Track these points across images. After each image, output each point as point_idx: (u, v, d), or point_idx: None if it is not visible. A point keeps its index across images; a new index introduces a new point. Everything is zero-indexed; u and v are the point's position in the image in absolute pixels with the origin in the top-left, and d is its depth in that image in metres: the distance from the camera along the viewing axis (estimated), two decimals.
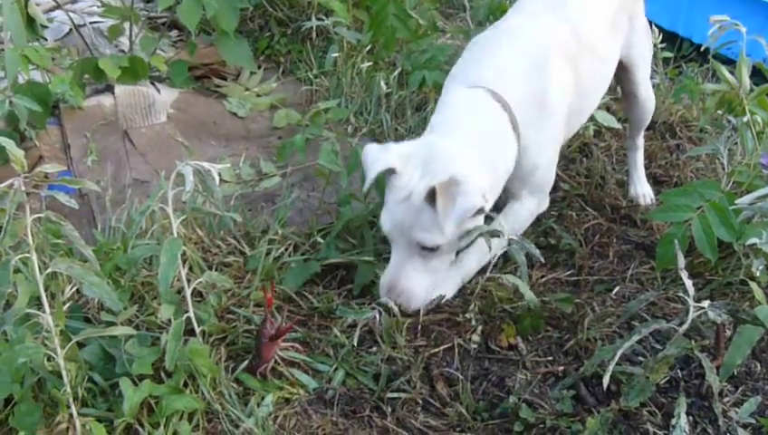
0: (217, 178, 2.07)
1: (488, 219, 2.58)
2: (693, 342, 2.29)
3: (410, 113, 3.71)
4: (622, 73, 3.09)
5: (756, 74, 3.08)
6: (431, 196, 2.27)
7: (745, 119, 2.78)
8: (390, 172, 2.38)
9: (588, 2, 2.85)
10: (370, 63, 3.84)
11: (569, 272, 2.78)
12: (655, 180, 3.40)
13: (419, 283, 2.42)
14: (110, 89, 3.71)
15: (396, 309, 2.38)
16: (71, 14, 4.09)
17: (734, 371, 2.19)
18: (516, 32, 2.72)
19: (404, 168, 2.36)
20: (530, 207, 2.75)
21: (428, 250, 2.36)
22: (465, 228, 2.38)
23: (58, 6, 4.16)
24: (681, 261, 2.15)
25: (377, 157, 2.40)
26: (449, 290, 2.54)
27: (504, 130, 2.50)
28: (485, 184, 2.37)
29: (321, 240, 2.75)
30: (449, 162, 2.34)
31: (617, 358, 2.02)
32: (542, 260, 2.47)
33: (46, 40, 4.06)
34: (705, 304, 2.04)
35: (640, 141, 3.29)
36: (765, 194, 2.14)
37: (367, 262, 2.61)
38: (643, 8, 3.09)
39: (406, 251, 2.39)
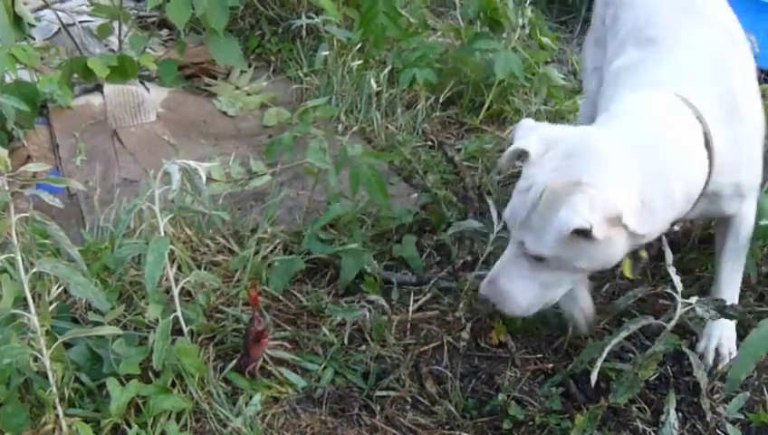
0: (204, 177, 2.07)
1: None
2: (686, 338, 2.31)
3: (401, 111, 3.70)
4: None
5: None
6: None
7: None
8: (525, 155, 2.05)
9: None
10: (361, 62, 3.82)
11: None
12: None
13: (521, 289, 2.07)
14: (99, 88, 3.68)
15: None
16: (59, 14, 4.07)
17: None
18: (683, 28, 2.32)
19: (540, 155, 2.02)
20: (749, 215, 2.31)
21: (536, 258, 2.01)
22: (585, 251, 1.96)
23: (46, 5, 4.13)
24: (669, 257, 2.15)
25: (523, 134, 2.09)
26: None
27: (694, 142, 2.05)
28: (625, 205, 1.91)
29: None
30: (591, 162, 1.96)
31: (605, 354, 2.02)
32: None
33: (34, 39, 4.04)
34: (693, 300, 2.04)
35: None
36: None
37: (352, 253, 2.60)
38: None
39: (515, 249, 2.06)
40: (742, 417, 2.16)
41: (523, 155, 2.06)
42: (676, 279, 2.06)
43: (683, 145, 2.03)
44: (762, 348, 1.95)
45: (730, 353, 2.28)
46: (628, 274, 2.22)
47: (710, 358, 2.27)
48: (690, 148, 2.03)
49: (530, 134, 2.07)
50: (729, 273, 2.31)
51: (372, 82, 3.67)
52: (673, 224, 2.18)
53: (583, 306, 2.30)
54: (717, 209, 2.23)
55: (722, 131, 2.06)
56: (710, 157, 2.04)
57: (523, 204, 1.99)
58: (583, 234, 1.87)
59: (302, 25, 4.05)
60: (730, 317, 2.04)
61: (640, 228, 1.94)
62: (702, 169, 2.04)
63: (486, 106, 3.72)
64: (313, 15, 3.90)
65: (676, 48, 2.24)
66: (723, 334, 2.31)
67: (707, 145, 2.03)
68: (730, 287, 2.31)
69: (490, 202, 2.52)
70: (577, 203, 1.86)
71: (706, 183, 2.06)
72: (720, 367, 2.27)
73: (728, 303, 2.06)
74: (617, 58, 2.38)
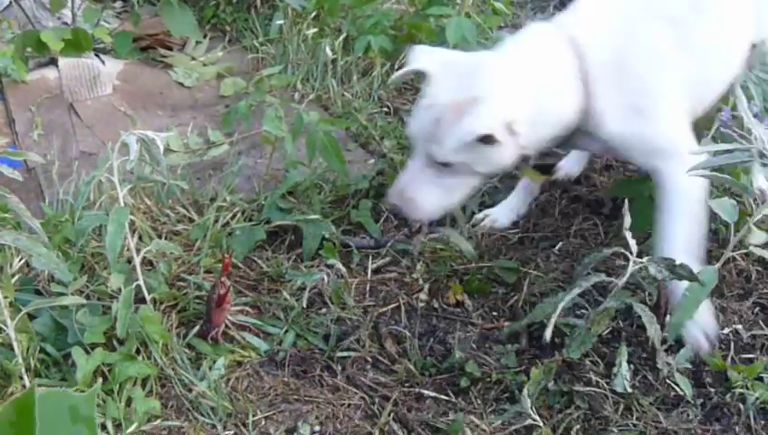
0: (162, 148, 2.10)
1: None
2: (634, 294, 2.37)
3: (357, 78, 3.73)
4: None
5: None
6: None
7: None
8: (423, 76, 2.31)
9: None
10: (316, 30, 3.84)
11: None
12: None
13: (427, 195, 2.30)
14: (53, 62, 3.68)
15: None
16: None
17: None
18: None
19: (439, 76, 2.28)
20: (682, 176, 2.27)
21: (443, 165, 2.25)
22: (483, 156, 2.23)
23: None
24: (627, 221, 2.20)
25: (417, 57, 2.35)
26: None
27: (570, 73, 2.31)
28: (517, 113, 2.20)
29: None
30: (480, 81, 2.23)
31: (558, 311, 2.08)
32: (478, 212, 2.50)
33: None
34: (645, 259, 2.10)
35: None
36: (715, 149, 2.17)
37: (313, 222, 2.64)
38: None
39: (421, 161, 2.29)
40: (690, 366, 2.24)
41: (422, 76, 2.32)
42: (632, 241, 2.12)
43: (556, 74, 2.31)
44: (702, 294, 2.08)
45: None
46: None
47: (702, 344, 2.30)
48: (562, 78, 2.31)
49: (424, 57, 2.34)
50: (682, 243, 2.32)
51: (328, 50, 3.69)
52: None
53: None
54: (627, 157, 2.55)
55: (606, 79, 2.32)
56: (586, 93, 2.31)
57: (427, 119, 2.24)
58: (484, 140, 2.16)
59: None
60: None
61: (525, 137, 2.24)
62: (573, 100, 2.31)
63: None
64: None
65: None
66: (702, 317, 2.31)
67: (585, 82, 2.31)
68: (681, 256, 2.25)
69: None
70: (479, 113, 2.15)
71: (583, 120, 2.33)
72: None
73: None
74: None
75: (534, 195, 2.89)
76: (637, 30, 2.40)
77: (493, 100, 2.19)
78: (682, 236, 2.33)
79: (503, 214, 2.85)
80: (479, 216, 2.83)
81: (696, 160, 2.17)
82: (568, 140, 2.42)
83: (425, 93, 2.29)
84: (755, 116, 2.40)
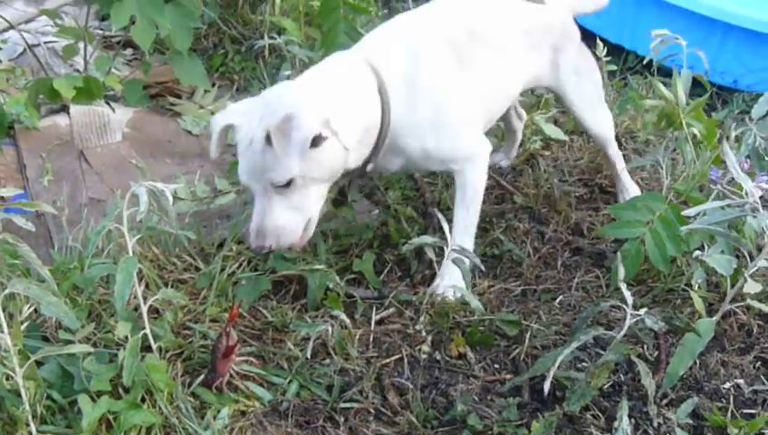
0: (171, 198, 2.13)
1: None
2: (633, 347, 2.40)
3: None
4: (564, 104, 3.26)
5: (698, 85, 3.20)
6: (269, 138, 2.32)
7: (684, 131, 2.88)
8: (231, 128, 2.48)
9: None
10: None
11: (516, 282, 2.87)
12: (601, 190, 3.49)
13: (287, 219, 2.44)
14: (65, 109, 3.73)
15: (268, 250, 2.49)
16: (24, 34, 4.12)
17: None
18: (409, 19, 2.90)
19: (243, 121, 2.43)
20: (472, 173, 2.80)
21: (285, 187, 2.39)
22: (319, 162, 2.42)
23: (11, 27, 4.17)
24: (621, 274, 2.24)
25: (216, 120, 2.53)
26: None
27: (367, 86, 2.58)
28: (328, 113, 2.40)
29: None
30: (284, 103, 2.40)
31: (557, 364, 2.10)
32: (483, 268, 2.54)
33: (0, 61, 4.08)
34: (642, 311, 2.13)
35: (614, 157, 3.35)
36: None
37: (318, 271, 2.67)
38: (576, 47, 3.16)
39: (264, 195, 2.43)
40: (690, 421, 2.26)
41: (230, 130, 2.51)
42: (627, 293, 2.16)
43: (356, 85, 2.56)
44: (698, 346, 2.12)
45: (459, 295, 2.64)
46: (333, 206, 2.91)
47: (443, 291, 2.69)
48: (363, 93, 2.56)
49: (222, 115, 2.54)
50: (460, 224, 2.76)
51: None
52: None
53: (455, 281, 2.69)
54: (426, 168, 2.94)
55: (400, 97, 2.61)
56: (384, 107, 2.58)
57: (253, 157, 2.39)
58: (314, 143, 2.34)
59: (264, 45, 4.11)
60: (678, 329, 2.15)
61: (344, 135, 2.44)
62: (375, 112, 2.58)
63: None
64: (276, 35, 3.95)
65: (391, 28, 2.85)
66: (453, 276, 2.68)
67: (382, 96, 2.58)
68: (462, 235, 2.75)
69: (440, 216, 2.60)
70: (302, 124, 2.30)
71: (385, 132, 2.61)
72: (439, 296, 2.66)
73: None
74: None
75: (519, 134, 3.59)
76: (421, 52, 2.69)
77: (304, 108, 2.36)
78: (466, 219, 2.78)
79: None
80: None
81: (484, 155, 2.80)
82: (375, 161, 2.68)
83: (239, 141, 2.44)
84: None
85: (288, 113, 2.31)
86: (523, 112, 3.64)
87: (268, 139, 2.32)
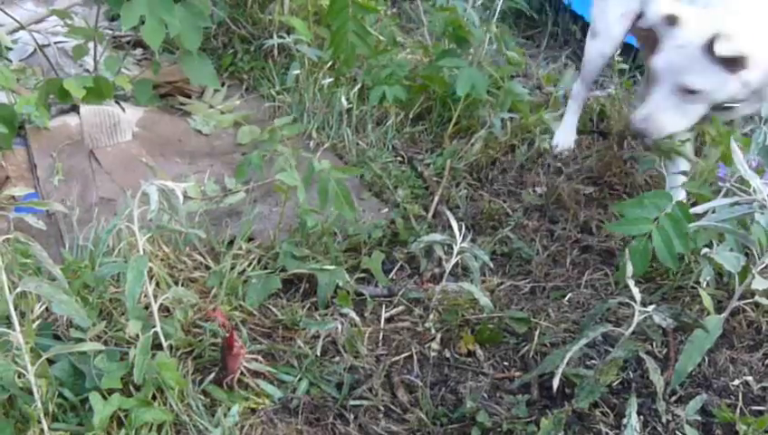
0: (181, 197, 2.14)
1: None
2: (642, 344, 2.40)
3: (371, 128, 3.78)
4: None
5: None
6: (709, 46, 2.55)
7: None
8: (671, 21, 2.67)
9: None
10: (332, 79, 3.90)
11: (526, 279, 2.87)
12: (610, 188, 3.49)
13: (671, 119, 2.76)
14: (75, 109, 3.74)
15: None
16: (35, 35, 4.13)
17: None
18: None
19: (688, 18, 2.65)
20: None
21: (690, 94, 2.68)
22: (727, 82, 2.64)
23: (22, 27, 4.19)
24: (629, 271, 2.25)
25: (660, 8, 2.71)
26: None
27: None
28: (752, 53, 2.58)
29: None
30: (732, 19, 2.59)
31: (565, 361, 2.11)
32: (492, 266, 2.54)
33: (11, 61, 4.10)
34: (650, 308, 2.14)
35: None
36: (718, 205, 2.23)
37: (328, 271, 2.68)
38: None
39: (669, 91, 2.72)
40: (699, 418, 2.26)
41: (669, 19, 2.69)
42: (635, 290, 2.16)
43: None
44: (707, 342, 2.14)
45: None
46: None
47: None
48: None
49: (671, 4, 2.70)
50: None
51: (343, 99, 3.74)
52: None
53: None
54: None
55: None
56: None
57: (683, 55, 2.64)
58: (732, 64, 2.58)
59: (273, 45, 4.12)
60: (686, 325, 2.15)
61: (749, 73, 2.63)
62: None
63: (454, 121, 3.80)
64: (285, 35, 3.97)
65: None
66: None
67: None
68: None
69: (449, 214, 2.61)
70: (733, 41, 2.53)
71: None
72: None
73: None
74: None
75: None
76: None
77: (742, 31, 2.55)
78: None
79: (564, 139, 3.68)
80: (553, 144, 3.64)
81: None
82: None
83: (673, 36, 2.68)
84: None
85: (726, 31, 2.53)
86: None
87: (707, 47, 2.56)
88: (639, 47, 3.85)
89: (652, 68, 2.77)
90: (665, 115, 2.76)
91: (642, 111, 2.79)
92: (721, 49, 2.53)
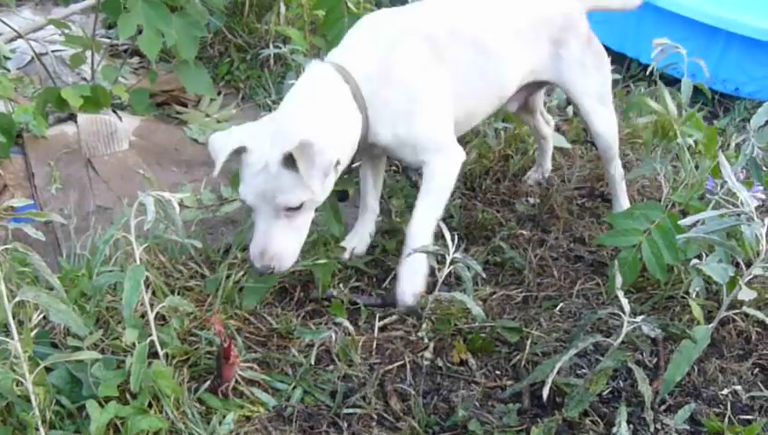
0: (177, 207, 2.17)
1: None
2: (632, 354, 2.43)
3: None
4: (571, 100, 3.23)
5: (701, 92, 3.23)
6: (287, 161, 2.38)
7: (679, 141, 2.92)
8: (241, 151, 2.48)
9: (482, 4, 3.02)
10: None
11: (518, 289, 2.90)
12: (603, 199, 3.52)
13: (288, 244, 2.52)
14: (72, 117, 3.77)
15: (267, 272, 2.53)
16: (32, 43, 4.16)
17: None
18: (377, 16, 2.94)
19: (253, 144, 2.46)
20: (441, 166, 2.81)
21: (293, 210, 2.47)
22: (327, 182, 2.51)
23: (19, 36, 4.21)
24: (618, 282, 2.28)
25: (224, 142, 2.51)
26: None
27: (344, 100, 2.64)
28: (333, 142, 2.49)
29: None
30: (294, 130, 2.45)
31: (555, 371, 2.14)
32: (484, 275, 2.55)
33: (9, 70, 4.12)
34: (639, 319, 2.17)
35: (613, 170, 3.31)
36: (706, 217, 2.26)
37: (322, 265, 2.75)
38: (582, 41, 3.07)
39: (270, 217, 2.49)
40: (688, 427, 2.29)
41: (238, 152, 2.48)
42: (624, 301, 2.20)
43: (339, 103, 2.62)
44: (695, 352, 2.16)
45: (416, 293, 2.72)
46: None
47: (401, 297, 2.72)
48: (339, 102, 2.62)
49: (230, 138, 2.50)
50: (422, 212, 2.75)
51: None
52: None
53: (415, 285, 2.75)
54: (401, 157, 2.87)
55: (373, 91, 2.66)
56: (361, 111, 2.65)
57: (266, 179, 2.44)
58: (336, 164, 2.50)
59: (269, 54, 4.14)
60: (674, 335, 2.19)
61: (344, 158, 2.60)
62: (355, 118, 2.66)
63: None
64: (281, 44, 3.99)
65: (358, 31, 2.85)
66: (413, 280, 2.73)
67: (357, 101, 2.64)
68: (421, 225, 2.73)
69: (442, 224, 2.63)
70: (322, 149, 2.40)
71: (365, 132, 2.69)
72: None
73: (419, 241, 2.66)
74: None
75: (376, 212, 3.17)
76: (395, 46, 2.72)
77: (316, 137, 2.42)
78: (428, 211, 2.75)
79: (359, 241, 3.09)
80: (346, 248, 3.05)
81: (456, 154, 2.81)
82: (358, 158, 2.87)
83: (249, 163, 2.46)
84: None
85: (304, 140, 2.39)
86: (550, 118, 3.66)
87: (285, 162, 2.39)
88: None
89: (244, 201, 2.56)
90: (282, 243, 2.51)
91: (255, 249, 2.53)
92: (323, 163, 2.42)
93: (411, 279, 2.72)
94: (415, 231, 2.71)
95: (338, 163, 2.52)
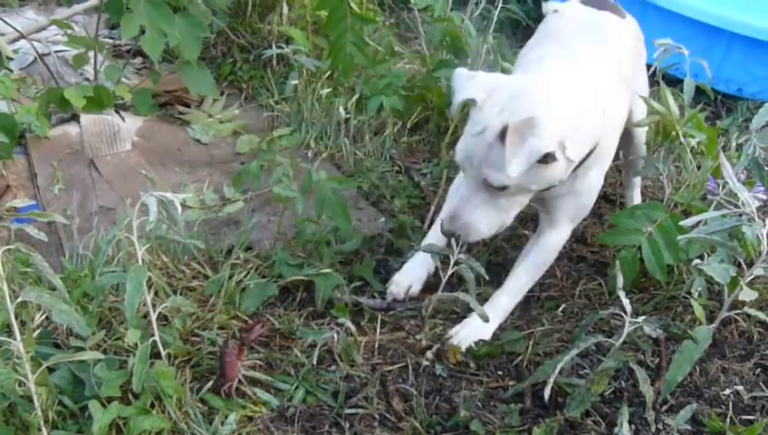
0: (180, 208, 2.17)
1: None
2: (634, 354, 2.43)
3: (369, 137, 3.81)
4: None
5: (702, 93, 3.23)
6: (504, 134, 2.18)
7: (681, 141, 2.91)
8: (472, 102, 2.33)
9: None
10: (330, 89, 3.92)
11: None
12: (605, 199, 3.52)
13: (482, 217, 2.37)
14: (75, 118, 3.77)
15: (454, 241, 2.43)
16: (35, 43, 4.16)
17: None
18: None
19: (485, 101, 2.30)
20: (562, 237, 2.72)
21: (496, 188, 2.30)
22: (539, 175, 2.30)
23: (22, 36, 4.21)
24: (620, 281, 2.28)
25: (463, 84, 2.36)
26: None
27: (596, 100, 2.44)
28: (567, 136, 2.25)
29: None
30: (533, 103, 2.25)
31: (557, 371, 2.14)
32: (487, 277, 2.56)
33: (11, 71, 4.12)
34: (641, 319, 2.17)
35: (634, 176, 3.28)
36: (708, 217, 2.26)
37: (324, 276, 2.72)
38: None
39: (473, 184, 2.34)
40: (689, 428, 2.29)
41: (469, 102, 2.33)
42: (626, 301, 2.20)
43: (589, 96, 2.40)
44: (696, 352, 2.17)
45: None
46: None
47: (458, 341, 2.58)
48: (593, 101, 2.40)
49: (469, 83, 2.35)
50: (517, 287, 2.71)
51: (341, 109, 3.77)
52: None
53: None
54: (538, 205, 2.69)
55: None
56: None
57: (479, 145, 2.27)
58: (543, 159, 2.21)
59: (272, 54, 4.15)
60: (676, 335, 2.19)
61: (573, 154, 2.29)
62: (599, 122, 2.43)
63: (451, 131, 3.82)
64: (283, 45, 3.99)
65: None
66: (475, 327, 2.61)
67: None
68: (510, 301, 2.70)
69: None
70: (542, 135, 2.17)
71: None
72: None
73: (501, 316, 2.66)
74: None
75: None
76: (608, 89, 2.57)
77: (548, 120, 2.20)
78: (524, 284, 2.71)
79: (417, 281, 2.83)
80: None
81: (568, 232, 2.72)
82: None
83: (473, 120, 2.32)
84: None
85: (532, 117, 2.18)
86: None
87: (502, 135, 2.19)
88: None
89: (453, 157, 2.42)
90: (475, 215, 2.37)
91: (449, 210, 2.44)
92: (535, 148, 2.20)
93: (467, 337, 2.60)
94: (505, 305, 2.69)
95: (551, 158, 2.25)
